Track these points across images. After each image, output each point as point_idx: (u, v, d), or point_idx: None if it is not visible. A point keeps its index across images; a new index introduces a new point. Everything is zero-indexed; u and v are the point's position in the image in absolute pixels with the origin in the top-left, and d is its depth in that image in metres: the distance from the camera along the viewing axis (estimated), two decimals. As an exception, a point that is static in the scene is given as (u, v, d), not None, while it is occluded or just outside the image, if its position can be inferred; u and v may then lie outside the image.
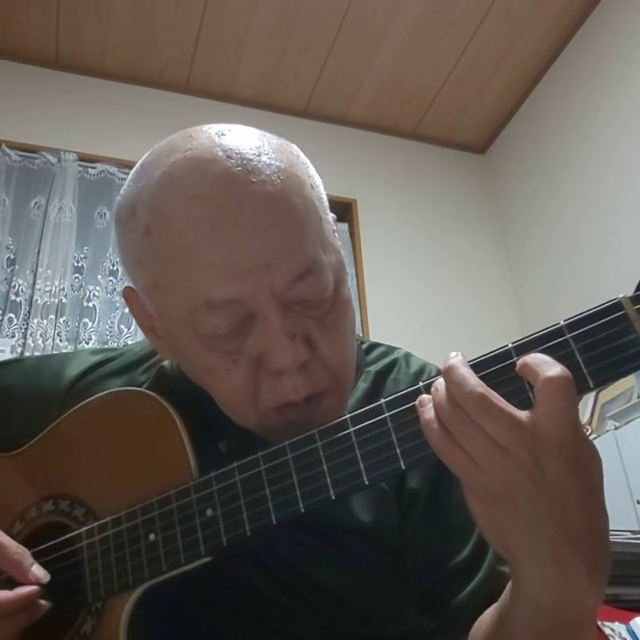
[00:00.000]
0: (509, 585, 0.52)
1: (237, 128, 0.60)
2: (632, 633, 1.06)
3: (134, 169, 0.62)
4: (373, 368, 0.75)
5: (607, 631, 1.00)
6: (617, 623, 1.04)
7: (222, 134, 0.58)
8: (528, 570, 0.46)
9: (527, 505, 0.43)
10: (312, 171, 0.63)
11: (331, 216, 0.64)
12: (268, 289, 0.54)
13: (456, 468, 0.46)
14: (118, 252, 0.64)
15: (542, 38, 2.93)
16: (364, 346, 0.79)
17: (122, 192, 0.62)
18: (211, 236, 0.54)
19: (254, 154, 0.56)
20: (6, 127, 2.64)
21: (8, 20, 2.70)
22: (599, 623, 0.99)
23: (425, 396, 0.48)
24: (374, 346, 0.80)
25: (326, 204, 0.63)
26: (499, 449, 0.44)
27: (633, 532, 1.20)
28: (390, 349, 0.79)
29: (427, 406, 0.48)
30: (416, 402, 0.50)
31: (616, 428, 2.03)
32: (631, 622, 1.07)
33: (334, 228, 0.64)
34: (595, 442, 2.09)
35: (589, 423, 2.33)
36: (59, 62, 2.87)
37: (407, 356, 0.78)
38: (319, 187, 0.62)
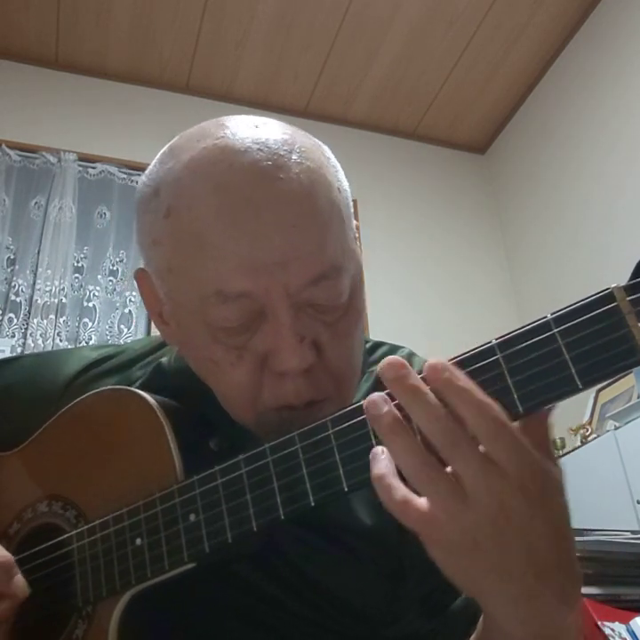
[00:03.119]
0: (481, 620, 0.51)
1: (272, 122, 0.59)
2: (632, 633, 1.06)
3: (162, 151, 0.61)
4: (376, 368, 0.74)
5: (607, 631, 0.99)
6: (617, 623, 1.04)
7: (256, 126, 0.57)
8: (500, 609, 0.44)
9: (492, 551, 0.42)
10: (341, 175, 0.61)
11: (354, 223, 0.63)
12: (282, 288, 0.53)
13: (413, 523, 0.43)
14: (135, 232, 0.63)
15: (542, 38, 2.93)
16: (367, 345, 0.77)
17: (146, 172, 0.61)
18: (231, 227, 0.53)
19: (286, 150, 0.55)
20: (6, 127, 2.64)
21: (8, 20, 2.70)
22: (599, 623, 0.99)
23: (378, 449, 0.45)
24: (378, 345, 0.79)
25: (352, 210, 0.62)
26: (461, 498, 0.41)
27: (633, 532, 1.20)
28: (394, 349, 0.78)
29: (380, 458, 0.44)
30: (372, 446, 0.47)
31: (616, 428, 2.03)
32: (631, 622, 1.06)
33: (356, 235, 0.63)
34: (595, 442, 2.07)
35: (589, 423, 2.33)
36: (59, 62, 2.87)
37: (410, 355, 0.77)
38: (346, 192, 0.61)
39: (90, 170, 2.73)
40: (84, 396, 0.69)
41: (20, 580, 0.61)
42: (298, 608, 0.64)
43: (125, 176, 2.74)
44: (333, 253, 0.55)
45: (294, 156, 0.55)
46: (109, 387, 0.70)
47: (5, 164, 2.60)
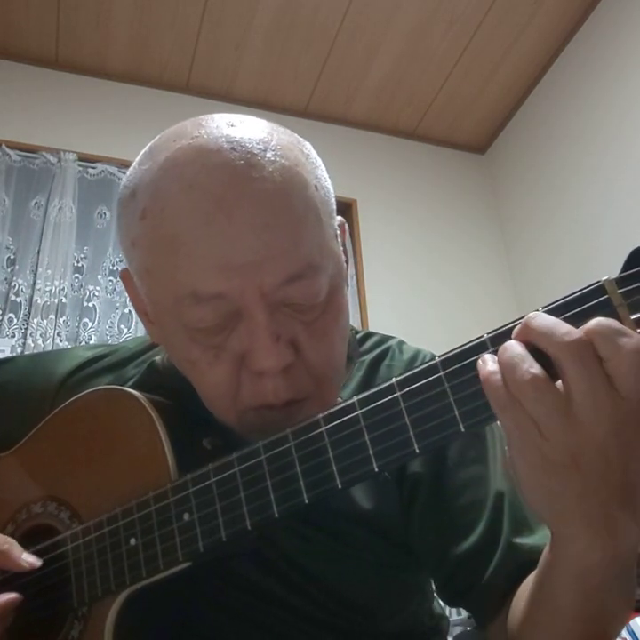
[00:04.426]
0: (546, 554, 0.51)
1: (249, 120, 0.59)
2: (632, 633, 1.06)
3: (142, 151, 0.61)
4: (367, 357, 0.75)
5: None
6: (617, 623, 1.03)
7: (232, 125, 0.57)
8: (575, 531, 0.44)
9: (589, 474, 0.41)
10: (321, 172, 0.61)
11: (337, 220, 0.63)
12: (256, 288, 0.53)
13: (515, 431, 0.42)
14: (117, 232, 0.63)
15: (542, 38, 2.92)
16: (358, 336, 0.78)
17: (127, 173, 0.62)
18: (203, 228, 0.53)
19: (260, 149, 0.55)
20: (6, 127, 2.64)
21: (8, 20, 2.69)
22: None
23: (486, 355, 0.44)
24: (369, 335, 0.79)
25: (333, 207, 0.62)
26: (573, 419, 0.40)
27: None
28: (384, 338, 0.79)
29: (489, 362, 0.44)
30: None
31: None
32: (631, 622, 1.06)
33: (338, 232, 0.62)
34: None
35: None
36: (59, 62, 2.86)
37: (400, 343, 0.78)
38: (326, 189, 0.61)
39: (90, 170, 2.73)
40: (77, 395, 0.69)
41: (27, 556, 0.63)
42: (296, 603, 0.64)
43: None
44: (309, 252, 0.55)
45: (269, 154, 0.55)
46: (102, 386, 0.70)
47: (5, 163, 2.60)
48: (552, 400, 0.41)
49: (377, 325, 2.73)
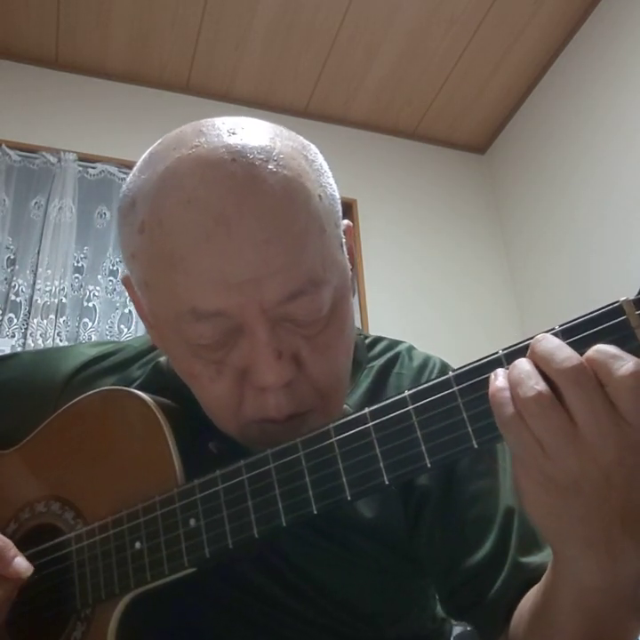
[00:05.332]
0: (549, 571, 0.51)
1: (251, 126, 0.56)
2: None
3: (143, 157, 0.60)
4: (376, 363, 0.74)
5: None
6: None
7: (233, 132, 0.55)
8: (575, 553, 0.44)
9: (592, 498, 0.41)
10: (326, 179, 0.59)
11: (343, 225, 0.61)
12: (256, 305, 0.52)
13: (519, 448, 0.42)
14: (118, 240, 0.62)
15: (542, 38, 2.92)
16: (367, 341, 0.77)
17: (127, 179, 0.60)
18: (202, 244, 0.51)
19: (261, 159, 0.53)
20: (6, 127, 2.64)
21: (8, 20, 2.69)
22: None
23: (499, 369, 0.44)
24: (378, 340, 0.78)
25: (338, 215, 0.60)
26: (577, 441, 0.40)
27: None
28: (393, 343, 0.78)
29: (500, 377, 0.43)
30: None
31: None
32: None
33: (343, 240, 0.61)
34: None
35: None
36: (59, 62, 2.86)
37: (410, 349, 0.77)
38: (331, 197, 0.59)
39: (90, 170, 2.72)
40: (83, 395, 0.69)
41: (20, 561, 0.60)
42: (298, 608, 0.64)
43: (125, 176, 2.73)
44: (311, 267, 0.53)
45: (271, 166, 0.53)
46: (108, 387, 0.70)
47: (5, 163, 2.59)
48: (556, 418, 0.40)
49: (377, 325, 2.73)
